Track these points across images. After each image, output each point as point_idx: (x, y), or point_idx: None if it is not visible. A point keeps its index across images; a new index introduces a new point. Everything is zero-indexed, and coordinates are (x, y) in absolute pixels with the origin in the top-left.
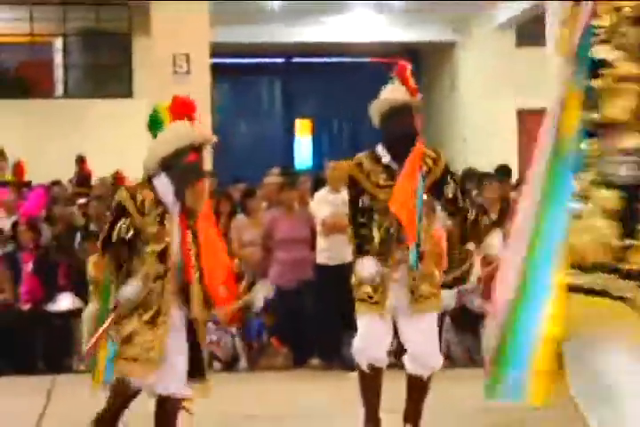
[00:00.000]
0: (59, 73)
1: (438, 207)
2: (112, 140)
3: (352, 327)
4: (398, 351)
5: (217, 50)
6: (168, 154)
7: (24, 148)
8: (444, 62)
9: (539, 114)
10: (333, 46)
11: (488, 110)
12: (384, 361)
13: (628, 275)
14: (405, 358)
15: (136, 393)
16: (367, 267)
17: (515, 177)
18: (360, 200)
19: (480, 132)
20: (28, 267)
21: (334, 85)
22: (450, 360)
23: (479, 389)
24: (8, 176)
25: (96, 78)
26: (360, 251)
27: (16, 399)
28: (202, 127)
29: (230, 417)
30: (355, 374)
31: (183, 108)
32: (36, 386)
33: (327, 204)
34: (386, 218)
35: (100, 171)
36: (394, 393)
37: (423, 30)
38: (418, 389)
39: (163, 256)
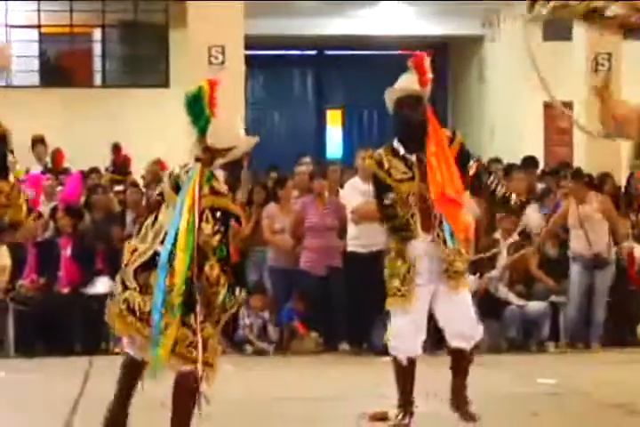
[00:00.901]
0: (97, 63)
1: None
2: (148, 128)
3: (381, 313)
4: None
5: (251, 42)
6: (231, 160)
7: (63, 135)
8: (472, 55)
9: (564, 107)
10: (364, 39)
11: (515, 103)
12: (419, 352)
13: None
14: (446, 336)
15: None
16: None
17: (540, 168)
18: (385, 197)
19: (507, 125)
20: (67, 252)
21: (364, 77)
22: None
23: (502, 375)
24: (48, 163)
25: (133, 68)
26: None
27: (55, 380)
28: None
29: (260, 400)
30: (384, 359)
31: (215, 95)
32: (73, 367)
33: (358, 193)
34: (406, 208)
35: (136, 159)
36: (424, 376)
37: (452, 24)
38: (463, 363)
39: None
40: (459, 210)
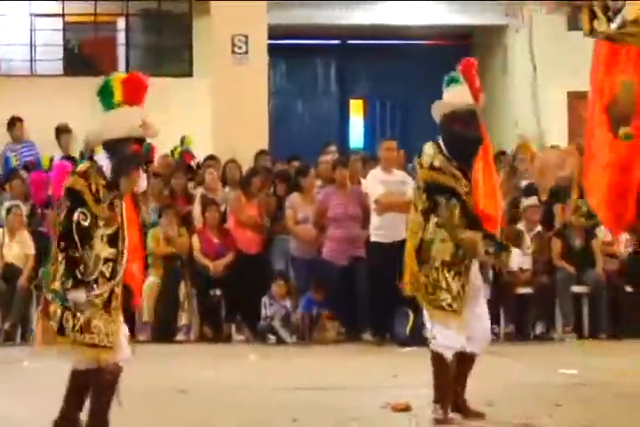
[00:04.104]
0: (121, 52)
1: None
2: (172, 117)
3: (404, 304)
4: None
5: (274, 31)
6: (112, 139)
7: (87, 124)
8: (495, 45)
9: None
10: (387, 29)
11: (539, 93)
12: (465, 346)
13: None
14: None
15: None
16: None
17: None
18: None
19: (531, 115)
20: None
21: (387, 67)
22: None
23: (524, 365)
24: (74, 151)
25: (157, 57)
26: None
27: None
28: (147, 119)
29: (282, 389)
30: (406, 350)
31: (136, 86)
32: None
33: (380, 183)
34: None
35: (160, 148)
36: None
37: (476, 14)
38: (470, 367)
39: (114, 240)
40: (493, 228)
